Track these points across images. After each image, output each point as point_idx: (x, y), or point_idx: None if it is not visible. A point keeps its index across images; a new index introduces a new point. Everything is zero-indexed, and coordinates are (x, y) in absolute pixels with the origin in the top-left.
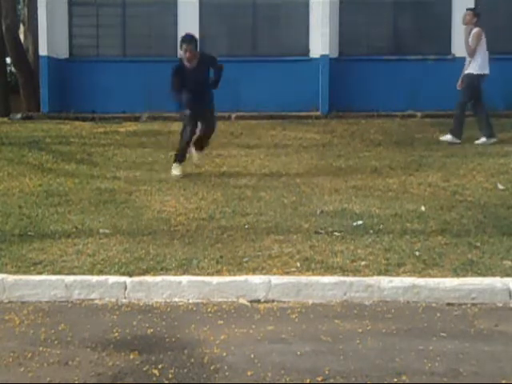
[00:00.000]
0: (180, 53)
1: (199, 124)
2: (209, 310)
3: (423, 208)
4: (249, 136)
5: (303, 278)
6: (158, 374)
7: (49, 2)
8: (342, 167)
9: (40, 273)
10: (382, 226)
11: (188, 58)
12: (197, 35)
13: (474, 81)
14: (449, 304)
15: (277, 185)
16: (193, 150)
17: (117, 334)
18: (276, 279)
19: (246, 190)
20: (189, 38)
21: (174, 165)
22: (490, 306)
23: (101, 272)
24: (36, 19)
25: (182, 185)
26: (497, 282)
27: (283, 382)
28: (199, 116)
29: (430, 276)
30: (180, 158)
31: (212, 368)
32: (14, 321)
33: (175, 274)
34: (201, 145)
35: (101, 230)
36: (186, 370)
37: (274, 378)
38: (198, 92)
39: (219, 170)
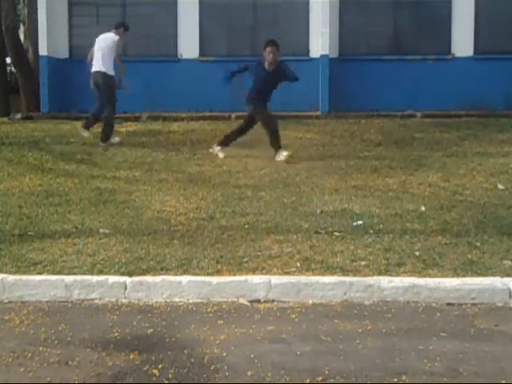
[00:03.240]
0: (264, 55)
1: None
2: (209, 310)
3: (423, 208)
4: (249, 136)
5: (303, 278)
6: (157, 374)
7: (49, 2)
8: (341, 167)
9: (40, 273)
10: (381, 225)
11: (270, 61)
12: (197, 35)
13: None
14: (449, 304)
15: (277, 185)
16: (216, 148)
17: (117, 334)
18: (276, 279)
19: (246, 190)
20: (274, 41)
21: (280, 151)
22: (490, 306)
23: (101, 272)
24: (36, 19)
25: (181, 185)
26: (497, 281)
27: (283, 381)
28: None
29: (430, 276)
30: (279, 143)
31: (212, 368)
32: (14, 321)
33: (175, 274)
34: (230, 140)
35: (101, 230)
36: (185, 370)
37: (273, 378)
38: (263, 94)
39: (219, 170)
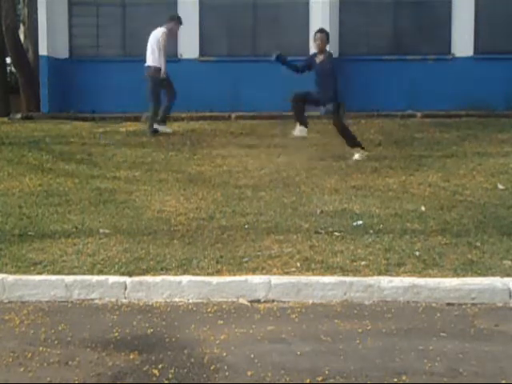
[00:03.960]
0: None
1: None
2: (209, 310)
3: (423, 208)
4: (249, 136)
5: (303, 278)
6: (157, 374)
7: (49, 2)
8: (342, 167)
9: (40, 273)
10: (381, 225)
11: (318, 47)
12: (197, 35)
13: None
14: (449, 304)
15: (277, 185)
16: (297, 124)
17: (117, 334)
18: (276, 279)
19: (246, 190)
20: (322, 29)
21: (357, 150)
22: (490, 306)
23: (101, 272)
24: (36, 19)
25: (181, 185)
26: (497, 281)
27: (283, 381)
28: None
29: (430, 276)
30: (357, 143)
31: (212, 368)
32: (14, 321)
33: (175, 274)
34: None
35: (101, 230)
36: (185, 370)
37: (273, 378)
38: (316, 83)
39: (219, 170)
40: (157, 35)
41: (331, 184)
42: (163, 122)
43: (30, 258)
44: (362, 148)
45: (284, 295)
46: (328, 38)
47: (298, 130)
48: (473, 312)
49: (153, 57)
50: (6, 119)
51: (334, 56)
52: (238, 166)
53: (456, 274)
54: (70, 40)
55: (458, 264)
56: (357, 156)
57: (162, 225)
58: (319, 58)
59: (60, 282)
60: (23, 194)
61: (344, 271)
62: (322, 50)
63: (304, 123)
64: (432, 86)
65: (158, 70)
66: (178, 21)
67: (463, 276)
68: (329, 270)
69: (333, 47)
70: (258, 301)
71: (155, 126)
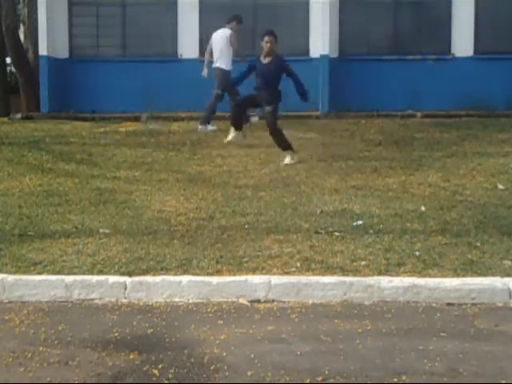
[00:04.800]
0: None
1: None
2: (209, 310)
3: (423, 208)
4: (249, 136)
5: (303, 278)
6: (157, 374)
7: (49, 2)
8: (341, 167)
9: (40, 273)
10: (381, 225)
11: (266, 52)
12: (197, 35)
13: None
14: (449, 304)
15: (277, 185)
16: (232, 129)
17: (117, 334)
18: (276, 279)
19: (246, 190)
20: (271, 31)
21: (289, 152)
22: (490, 306)
23: (101, 272)
24: (36, 19)
25: (181, 185)
26: (497, 281)
27: (283, 381)
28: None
29: (430, 276)
30: (289, 146)
31: (212, 368)
32: (14, 321)
33: (175, 274)
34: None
35: (101, 230)
36: (185, 370)
37: (273, 378)
38: (260, 87)
39: (219, 170)
40: (224, 37)
41: (331, 184)
42: (207, 122)
43: (30, 258)
44: (293, 151)
45: (284, 295)
46: (276, 40)
47: (233, 136)
48: (473, 312)
49: (219, 59)
50: (6, 119)
51: (334, 56)
52: (237, 166)
53: (456, 273)
54: (70, 40)
55: (458, 264)
56: (287, 160)
57: (162, 225)
58: (266, 60)
59: (60, 282)
60: (23, 194)
61: (344, 271)
62: (270, 53)
63: (240, 128)
64: (432, 86)
65: (227, 71)
66: (239, 20)
67: (463, 276)
68: (329, 269)
69: (333, 47)
70: (258, 301)
71: (200, 126)
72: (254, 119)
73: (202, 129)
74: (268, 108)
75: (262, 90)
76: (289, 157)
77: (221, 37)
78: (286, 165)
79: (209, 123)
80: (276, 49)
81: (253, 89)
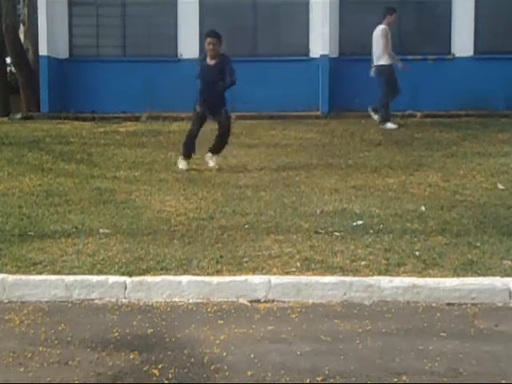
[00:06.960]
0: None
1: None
2: (209, 309)
3: (423, 208)
4: (249, 136)
5: (303, 278)
6: (157, 374)
7: (49, 2)
8: (342, 167)
9: (40, 273)
10: (381, 225)
11: (211, 54)
12: (197, 35)
13: None
14: (449, 304)
15: (277, 185)
16: (208, 155)
17: (117, 334)
18: (276, 279)
19: (246, 190)
20: (215, 33)
21: (180, 158)
22: (490, 306)
23: (101, 272)
24: (36, 19)
25: (181, 185)
26: (497, 281)
27: (283, 381)
28: (211, 115)
29: (430, 276)
30: (185, 152)
31: (212, 368)
32: (14, 321)
33: (175, 274)
34: (218, 147)
35: (101, 230)
36: (185, 370)
37: (273, 378)
38: (211, 91)
39: (219, 170)
40: (378, 32)
41: (331, 184)
42: (387, 119)
43: (30, 258)
44: (189, 158)
45: (284, 295)
46: (221, 41)
47: (182, 164)
48: (473, 312)
49: (376, 56)
50: (5, 119)
51: (334, 56)
52: (238, 166)
53: (456, 274)
54: (70, 40)
55: (457, 264)
56: (181, 165)
57: (161, 225)
58: (212, 63)
59: (60, 282)
60: (23, 194)
61: (344, 271)
62: (214, 55)
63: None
64: (432, 86)
65: (386, 67)
66: (393, 11)
67: (463, 276)
68: (329, 269)
69: (333, 47)
70: (258, 301)
71: (381, 125)
72: None
73: (385, 127)
74: (224, 110)
75: (213, 96)
76: (183, 163)
77: (376, 34)
78: (182, 170)
79: (389, 120)
80: (220, 49)
81: (198, 94)
